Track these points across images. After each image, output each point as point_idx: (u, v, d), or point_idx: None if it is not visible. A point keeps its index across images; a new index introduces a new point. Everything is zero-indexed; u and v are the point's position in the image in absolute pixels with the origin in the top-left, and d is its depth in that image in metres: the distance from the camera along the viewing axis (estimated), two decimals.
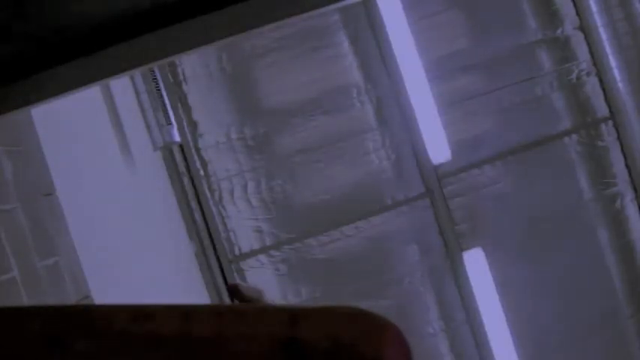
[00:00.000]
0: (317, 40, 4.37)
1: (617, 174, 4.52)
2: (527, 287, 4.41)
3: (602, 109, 4.51)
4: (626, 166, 4.52)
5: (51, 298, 1.92)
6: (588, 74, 4.49)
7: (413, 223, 4.43)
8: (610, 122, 4.50)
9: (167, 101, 3.78)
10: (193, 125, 4.30)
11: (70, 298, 2.04)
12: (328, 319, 0.59)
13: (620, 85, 4.41)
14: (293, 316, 0.60)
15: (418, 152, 4.37)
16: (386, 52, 4.34)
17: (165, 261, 3.48)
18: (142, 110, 3.71)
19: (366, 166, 4.40)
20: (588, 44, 4.48)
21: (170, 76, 4.26)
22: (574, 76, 4.49)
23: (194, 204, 4.28)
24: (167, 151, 4.20)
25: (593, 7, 4.41)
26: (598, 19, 4.41)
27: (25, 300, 1.78)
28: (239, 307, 0.64)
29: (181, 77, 4.29)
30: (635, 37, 4.30)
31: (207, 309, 0.65)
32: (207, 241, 4.28)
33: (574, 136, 4.49)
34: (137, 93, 3.71)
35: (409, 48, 4.32)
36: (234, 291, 0.97)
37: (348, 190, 4.39)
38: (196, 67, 4.29)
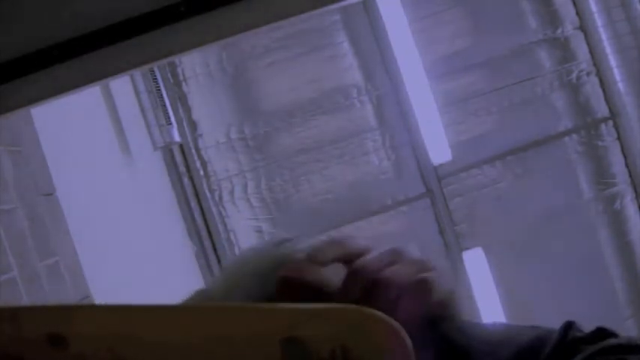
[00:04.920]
0: (317, 40, 4.37)
1: (617, 174, 4.52)
2: (527, 287, 4.41)
3: (602, 109, 4.51)
4: (626, 166, 4.52)
5: (51, 298, 1.92)
6: (588, 74, 4.49)
7: (413, 223, 4.42)
8: (610, 122, 4.50)
9: (167, 101, 3.78)
10: (193, 125, 4.30)
11: (70, 298, 2.04)
12: (329, 318, 0.59)
13: (620, 85, 4.41)
14: (293, 315, 0.60)
15: (418, 152, 4.37)
16: (386, 52, 4.34)
17: (166, 261, 3.48)
18: (142, 110, 3.72)
19: (366, 166, 4.40)
20: (588, 44, 4.48)
21: (170, 76, 4.26)
22: (574, 76, 4.49)
23: (194, 204, 4.27)
24: (167, 151, 4.20)
25: (593, 7, 4.41)
26: (598, 19, 4.41)
27: (25, 300, 1.78)
28: (239, 306, 0.64)
29: (181, 77, 4.29)
30: (635, 38, 4.30)
31: (208, 308, 0.65)
32: (207, 241, 4.27)
33: (574, 136, 4.49)
34: (137, 93, 3.71)
35: (409, 48, 4.32)
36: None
37: (348, 190, 4.39)
38: (196, 67, 4.29)
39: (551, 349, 0.75)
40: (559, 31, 4.48)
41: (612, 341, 0.73)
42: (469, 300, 4.38)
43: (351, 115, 4.39)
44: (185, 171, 4.28)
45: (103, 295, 2.22)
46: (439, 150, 4.36)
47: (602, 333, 0.75)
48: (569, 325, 0.78)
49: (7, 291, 1.70)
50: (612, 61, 4.42)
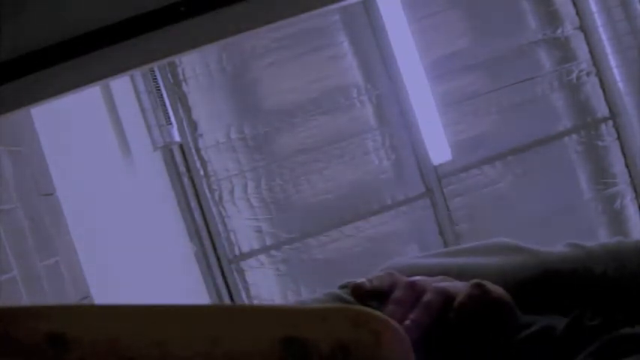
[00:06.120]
0: (317, 40, 4.37)
1: (617, 174, 4.52)
2: None
3: (602, 109, 4.51)
4: (626, 166, 4.52)
5: (51, 297, 1.92)
6: (588, 74, 4.49)
7: (413, 223, 4.42)
8: (610, 122, 4.51)
9: (167, 101, 3.78)
10: (193, 125, 4.30)
11: (70, 298, 2.04)
12: (329, 318, 0.59)
13: (620, 85, 4.42)
14: (293, 315, 0.60)
15: (418, 152, 4.37)
16: (386, 52, 4.34)
17: (165, 261, 3.48)
18: (142, 110, 3.72)
19: (366, 166, 4.40)
20: (588, 44, 4.48)
21: (170, 76, 4.26)
22: (574, 76, 4.49)
23: (194, 204, 4.28)
24: (167, 151, 4.20)
25: (593, 7, 4.41)
26: (598, 19, 4.41)
27: (25, 300, 1.78)
28: (239, 307, 0.65)
29: (181, 77, 4.29)
30: (635, 37, 4.30)
31: (208, 309, 0.65)
32: (207, 242, 4.28)
33: (574, 136, 4.50)
34: (137, 93, 3.71)
35: (409, 48, 4.32)
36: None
37: (348, 190, 4.39)
38: (196, 67, 4.30)
39: (560, 337, 0.75)
40: (559, 31, 4.48)
41: (626, 331, 0.73)
42: None
43: (351, 115, 4.39)
44: (185, 171, 4.28)
45: (103, 295, 2.22)
46: (439, 150, 4.36)
47: (615, 321, 0.75)
48: (582, 313, 0.77)
49: (7, 291, 1.70)
50: (612, 61, 4.42)
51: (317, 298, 0.92)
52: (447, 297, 0.77)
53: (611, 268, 0.86)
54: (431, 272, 0.83)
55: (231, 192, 4.33)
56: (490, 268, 0.88)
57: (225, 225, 4.32)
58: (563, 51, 4.49)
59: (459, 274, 0.83)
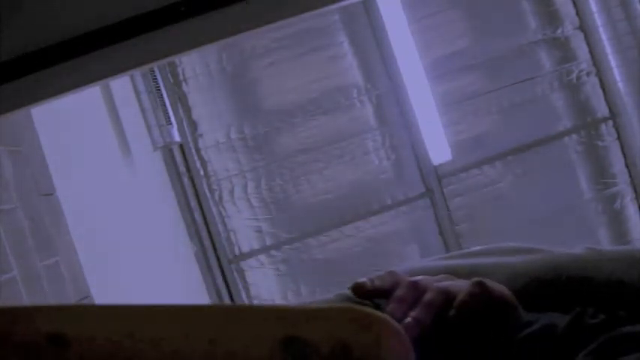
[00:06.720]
0: (317, 40, 4.37)
1: (617, 174, 4.52)
2: None
3: (602, 109, 4.51)
4: (626, 166, 4.52)
5: (51, 297, 1.92)
6: (588, 74, 4.49)
7: (413, 223, 4.42)
8: (610, 122, 4.51)
9: (167, 101, 3.78)
10: (193, 125, 4.30)
11: (70, 298, 2.04)
12: (329, 318, 0.59)
13: (620, 85, 4.41)
14: (293, 315, 0.60)
15: (418, 152, 4.37)
16: (386, 52, 4.34)
17: (165, 261, 3.48)
18: (142, 110, 3.72)
19: (366, 166, 4.40)
20: (588, 44, 4.48)
21: (170, 76, 4.26)
22: (574, 76, 4.49)
23: (194, 204, 4.28)
24: (167, 151, 4.20)
25: (593, 7, 4.41)
26: (598, 19, 4.41)
27: (25, 300, 1.78)
28: (239, 307, 0.65)
29: (181, 77, 4.29)
30: (635, 37, 4.30)
31: (208, 309, 0.65)
32: (207, 241, 4.28)
33: (574, 136, 4.50)
34: (137, 93, 3.71)
35: (409, 48, 4.32)
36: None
37: (348, 190, 4.39)
38: (196, 67, 4.30)
39: (561, 335, 0.75)
40: (559, 31, 4.48)
41: (627, 329, 0.73)
42: None
43: (351, 115, 4.39)
44: (185, 171, 4.28)
45: (103, 295, 2.22)
46: (439, 150, 4.36)
47: (616, 319, 0.74)
48: (582, 312, 0.77)
49: (7, 291, 1.70)
50: (612, 61, 4.42)
51: (327, 299, 0.92)
52: (448, 296, 0.77)
53: (620, 270, 0.86)
54: (439, 274, 0.83)
55: (231, 192, 4.33)
56: (501, 268, 0.88)
57: (225, 225, 4.32)
58: (563, 51, 4.49)
59: (470, 273, 0.83)
